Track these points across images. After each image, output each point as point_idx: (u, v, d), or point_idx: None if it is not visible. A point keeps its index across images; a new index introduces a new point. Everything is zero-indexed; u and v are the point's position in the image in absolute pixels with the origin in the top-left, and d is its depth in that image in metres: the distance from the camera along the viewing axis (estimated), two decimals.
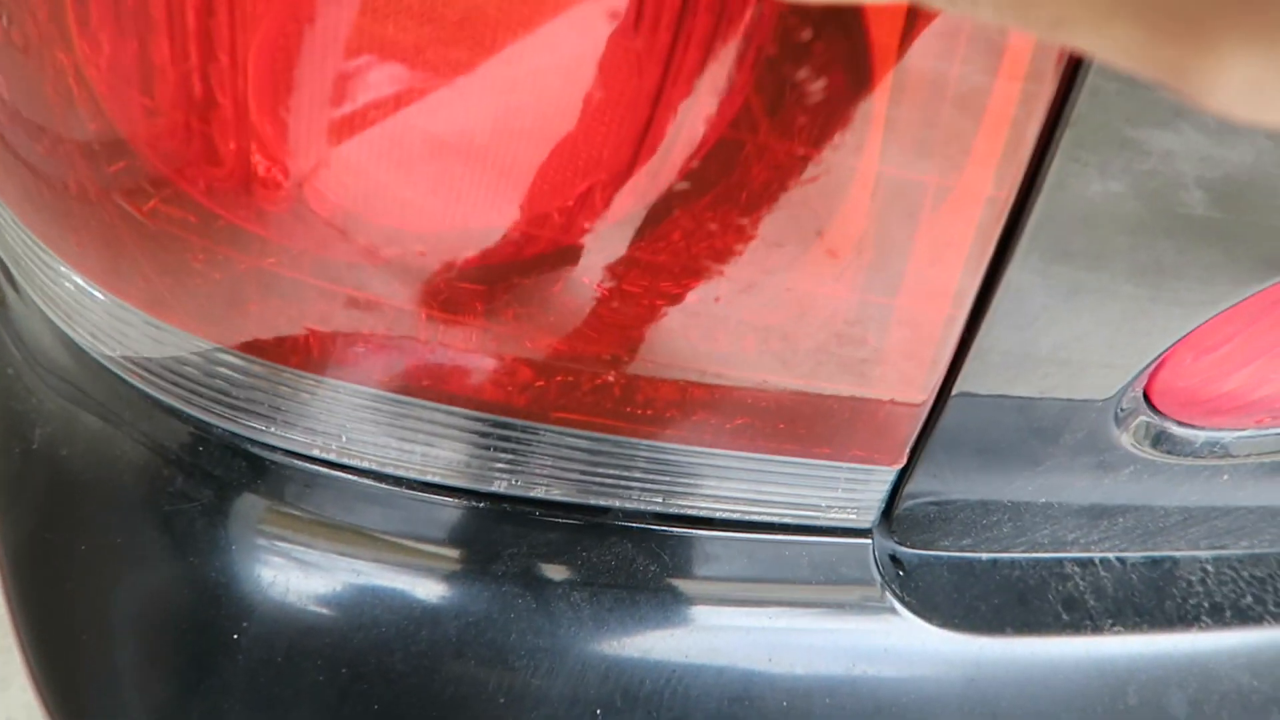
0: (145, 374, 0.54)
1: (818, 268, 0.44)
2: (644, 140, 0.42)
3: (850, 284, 0.45)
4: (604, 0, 0.38)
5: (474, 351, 0.49)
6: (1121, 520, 0.72)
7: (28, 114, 0.43)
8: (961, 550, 0.72)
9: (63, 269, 0.52)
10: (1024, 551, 0.74)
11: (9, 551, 0.59)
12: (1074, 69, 0.39)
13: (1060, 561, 0.76)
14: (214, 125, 0.38)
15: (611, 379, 0.49)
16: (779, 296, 0.45)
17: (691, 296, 0.46)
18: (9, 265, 0.63)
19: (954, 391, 0.51)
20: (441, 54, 0.38)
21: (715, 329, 0.47)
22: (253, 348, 0.50)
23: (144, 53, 0.36)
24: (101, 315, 0.53)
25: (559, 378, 0.50)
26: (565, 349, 0.49)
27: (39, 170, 0.45)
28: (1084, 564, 0.77)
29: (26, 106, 0.43)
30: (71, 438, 0.57)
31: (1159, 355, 0.51)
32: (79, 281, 0.53)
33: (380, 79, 0.39)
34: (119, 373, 0.56)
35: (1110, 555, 0.78)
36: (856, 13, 0.39)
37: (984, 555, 0.74)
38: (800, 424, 0.53)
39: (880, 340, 0.47)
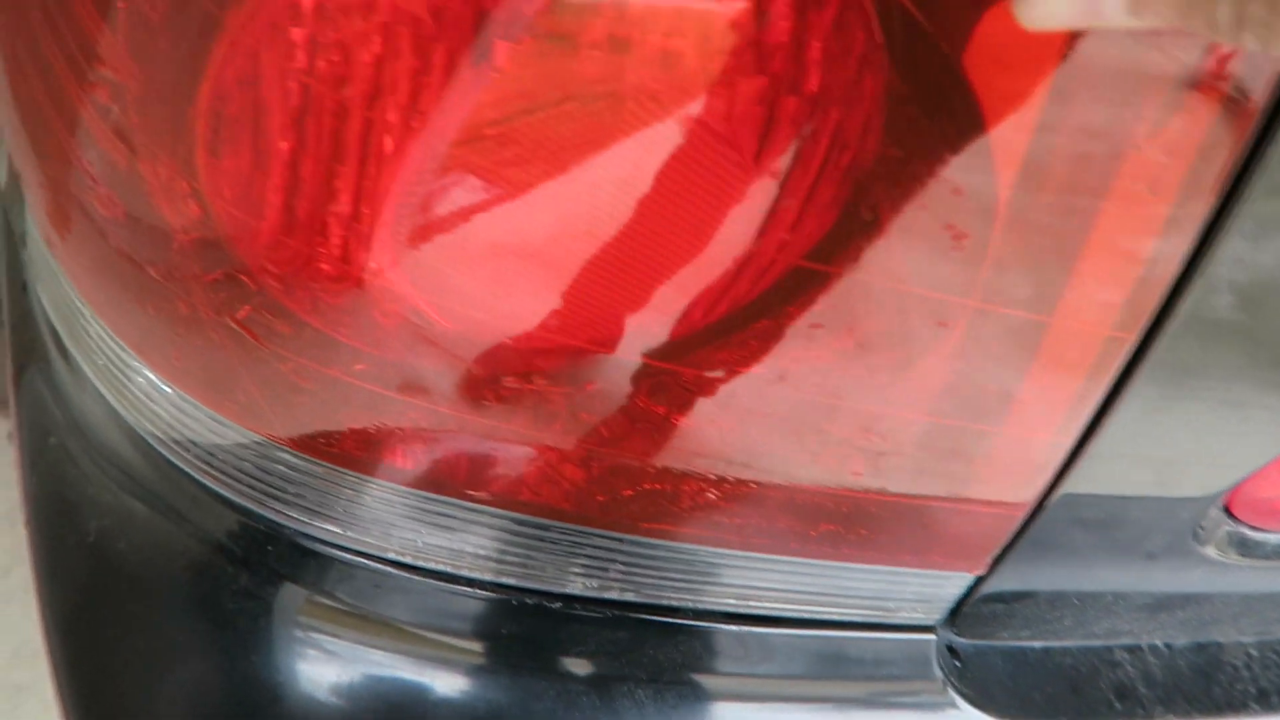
0: (216, 473, 0.53)
1: (927, 393, 0.44)
2: (749, 260, 0.41)
3: (959, 413, 0.44)
4: (731, 132, 0.37)
5: (560, 462, 0.48)
6: (1180, 613, 0.71)
7: (128, 214, 0.42)
8: (1018, 640, 0.71)
9: (135, 363, 0.51)
10: (1077, 640, 0.74)
11: (62, 647, 0.57)
12: (1234, 188, 0.38)
13: (1110, 648, 0.76)
14: (350, 239, 0.37)
15: (709, 495, 0.49)
16: (886, 419, 0.45)
17: (792, 417, 0.45)
18: (63, 337, 0.61)
19: (1057, 494, 0.51)
20: (555, 179, 0.38)
21: (823, 450, 0.46)
22: (332, 455, 0.49)
23: (293, 167, 0.35)
24: (172, 412, 0.52)
25: (647, 486, 0.49)
26: (657, 462, 0.48)
27: (135, 278, 0.44)
28: (1132, 650, 0.77)
29: (127, 208, 0.42)
30: (130, 531, 0.56)
31: (1261, 465, 0.51)
32: (151, 377, 0.51)
33: (492, 200, 0.38)
34: (185, 468, 0.54)
35: (1158, 641, 0.77)
36: (982, 140, 0.38)
37: (1036, 643, 0.73)
38: (883, 532, 0.53)
39: (985, 460, 0.47)
